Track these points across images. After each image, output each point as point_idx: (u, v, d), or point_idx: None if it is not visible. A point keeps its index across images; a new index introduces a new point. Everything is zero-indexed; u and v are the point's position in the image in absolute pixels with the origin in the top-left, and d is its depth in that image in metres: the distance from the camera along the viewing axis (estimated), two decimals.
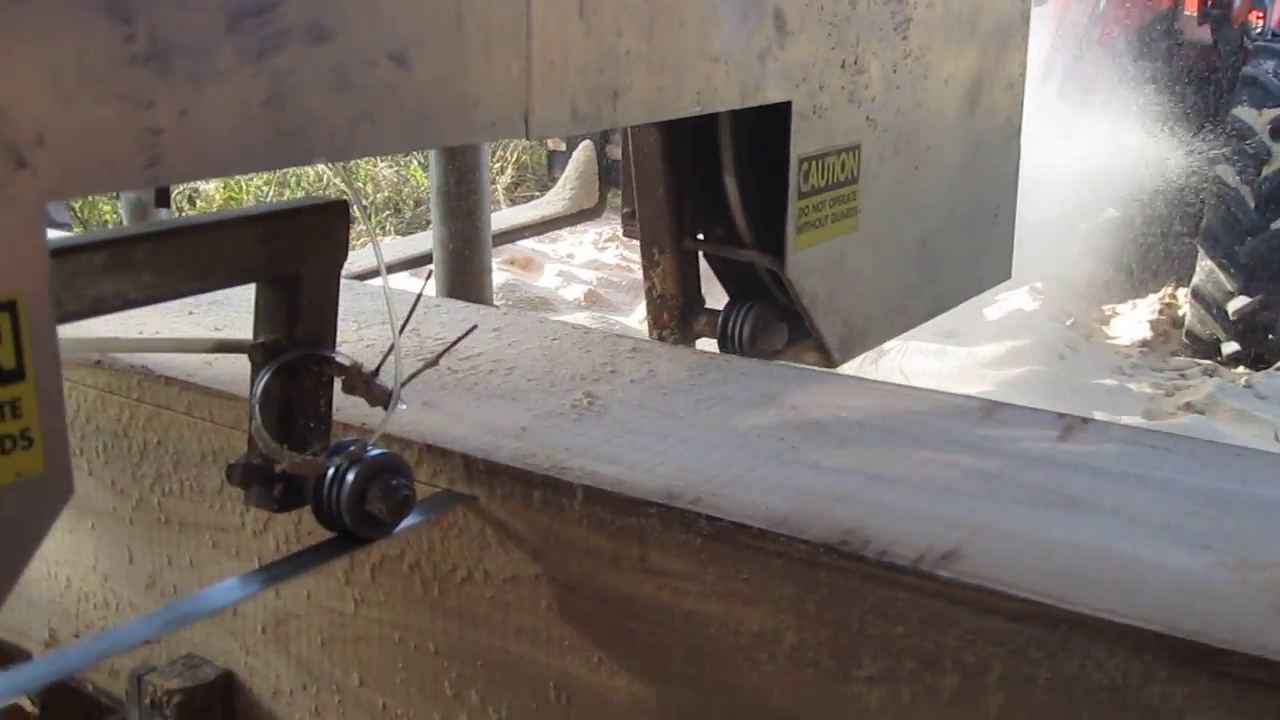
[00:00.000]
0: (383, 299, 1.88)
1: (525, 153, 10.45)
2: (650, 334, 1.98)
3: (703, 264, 1.96)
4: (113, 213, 8.52)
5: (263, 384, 1.18)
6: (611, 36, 1.32)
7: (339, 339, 1.25)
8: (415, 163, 10.30)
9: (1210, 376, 6.59)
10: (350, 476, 1.20)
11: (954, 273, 2.21)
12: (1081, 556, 1.08)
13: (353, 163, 9.71)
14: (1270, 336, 6.84)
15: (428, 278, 1.51)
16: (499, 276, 5.33)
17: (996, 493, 1.21)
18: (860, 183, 1.84)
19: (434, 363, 1.30)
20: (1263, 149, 6.85)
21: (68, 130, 0.85)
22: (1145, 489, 1.22)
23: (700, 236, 1.90)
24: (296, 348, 1.19)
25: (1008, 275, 2.43)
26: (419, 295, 1.38)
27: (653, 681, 1.21)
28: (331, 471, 1.21)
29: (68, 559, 1.72)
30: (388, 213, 9.75)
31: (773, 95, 1.61)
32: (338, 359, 1.21)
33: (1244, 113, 7.04)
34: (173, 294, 1.10)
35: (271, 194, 9.53)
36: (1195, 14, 8.01)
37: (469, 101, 1.16)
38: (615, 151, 6.26)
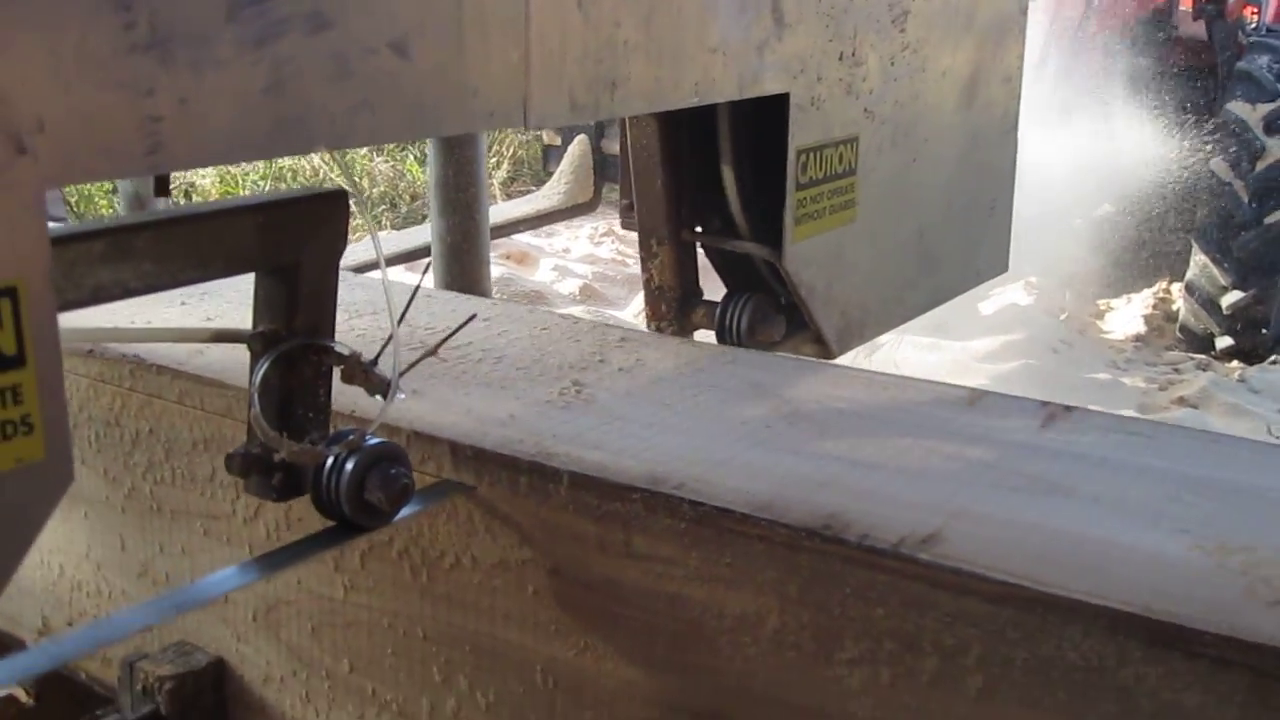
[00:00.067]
0: (374, 289, 1.89)
1: (521, 148, 10.46)
2: (648, 325, 1.99)
3: (701, 257, 1.97)
4: (109, 208, 8.52)
5: (262, 373, 1.19)
6: (610, 26, 1.33)
7: None
8: (411, 157, 10.31)
9: (1204, 371, 6.60)
10: (349, 465, 1.20)
11: (951, 265, 2.22)
12: (1059, 540, 1.09)
13: (349, 157, 9.72)
14: (1264, 331, 6.85)
15: (425, 270, 1.52)
16: (494, 271, 5.34)
17: (977, 478, 1.22)
18: (858, 175, 1.85)
19: (433, 352, 1.30)
20: (1257, 144, 6.86)
21: (68, 117, 0.86)
22: (1124, 475, 1.24)
23: (698, 228, 1.91)
24: (295, 337, 1.19)
25: (1005, 268, 2.44)
26: (416, 287, 1.39)
27: (638, 665, 1.22)
28: (330, 460, 1.21)
29: (60, 547, 1.73)
30: (383, 207, 9.75)
31: (771, 87, 1.62)
32: (337, 348, 1.22)
33: (1238, 107, 7.05)
34: (172, 283, 1.11)
35: (268, 189, 9.53)
36: (1190, 9, 8.02)
37: (468, 91, 1.17)
38: (611, 146, 6.26)
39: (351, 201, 1.24)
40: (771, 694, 1.15)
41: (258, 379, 1.19)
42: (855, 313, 1.94)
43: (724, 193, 1.81)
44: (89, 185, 8.45)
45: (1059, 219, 7.31)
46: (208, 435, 1.51)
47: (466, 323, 1.39)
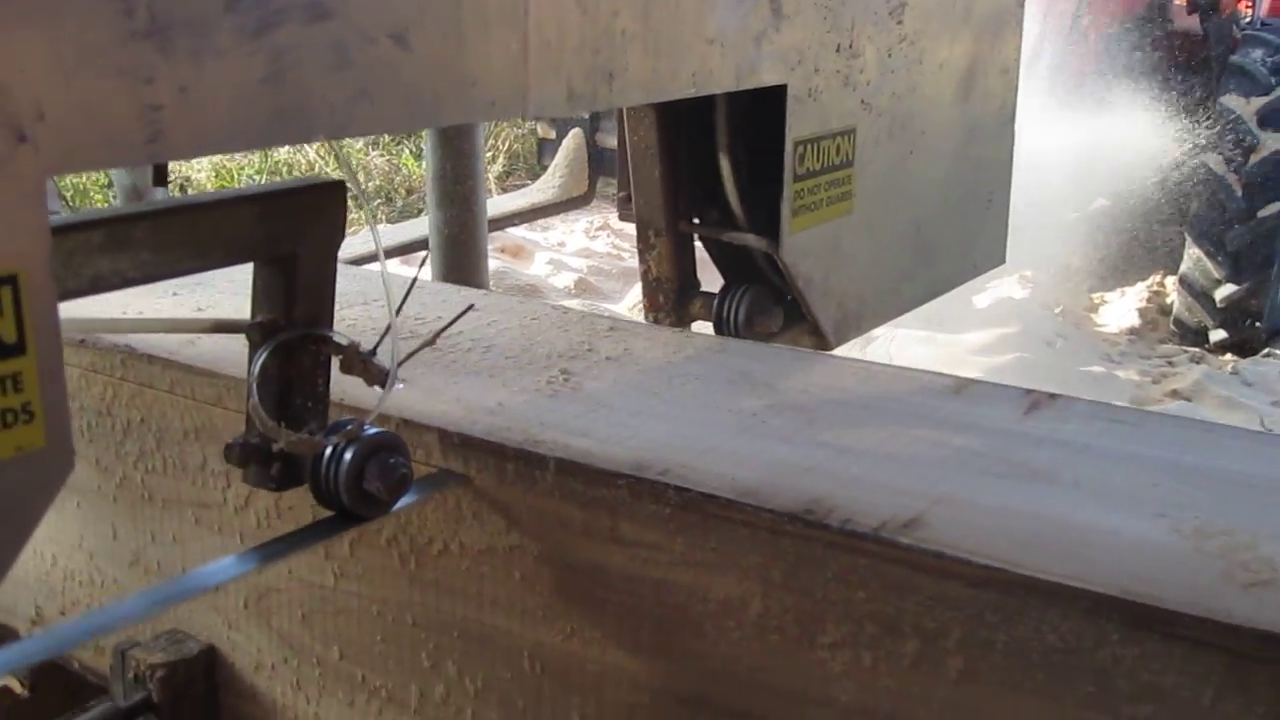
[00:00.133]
0: (365, 280, 1.90)
1: (516, 142, 10.46)
2: (645, 317, 1.99)
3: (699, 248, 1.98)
4: (104, 202, 8.52)
5: (260, 363, 1.19)
6: (607, 17, 1.34)
7: None
8: (407, 151, 10.31)
9: (1197, 364, 6.62)
10: (348, 455, 1.21)
11: (948, 257, 2.23)
12: (1040, 524, 1.10)
13: (344, 151, 9.71)
14: (1257, 324, 6.87)
15: (423, 261, 1.53)
16: (489, 264, 5.35)
17: (961, 465, 1.23)
18: (855, 166, 1.86)
19: (430, 342, 1.30)
20: (1250, 137, 6.87)
21: (69, 106, 0.86)
22: (1107, 461, 1.25)
23: (696, 220, 1.91)
24: (294, 327, 1.20)
25: (1002, 260, 2.45)
26: (414, 279, 1.40)
27: (624, 650, 1.23)
28: (329, 450, 1.21)
29: (53, 537, 1.74)
30: (379, 201, 9.75)
31: (768, 78, 1.62)
32: (335, 338, 1.22)
33: (1232, 101, 7.06)
34: (170, 273, 1.11)
35: (263, 183, 9.51)
36: (1184, 3, 8.03)
37: (467, 81, 1.17)
38: (605, 139, 6.27)
39: (349, 194, 1.24)
40: (755, 678, 1.16)
41: (256, 369, 1.19)
42: (852, 304, 1.94)
43: (721, 184, 1.81)
44: (84, 179, 8.46)
45: (1054, 213, 7.32)
46: (199, 424, 1.52)
47: (464, 313, 1.39)
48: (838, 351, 1.87)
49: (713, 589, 1.17)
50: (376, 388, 1.24)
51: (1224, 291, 6.84)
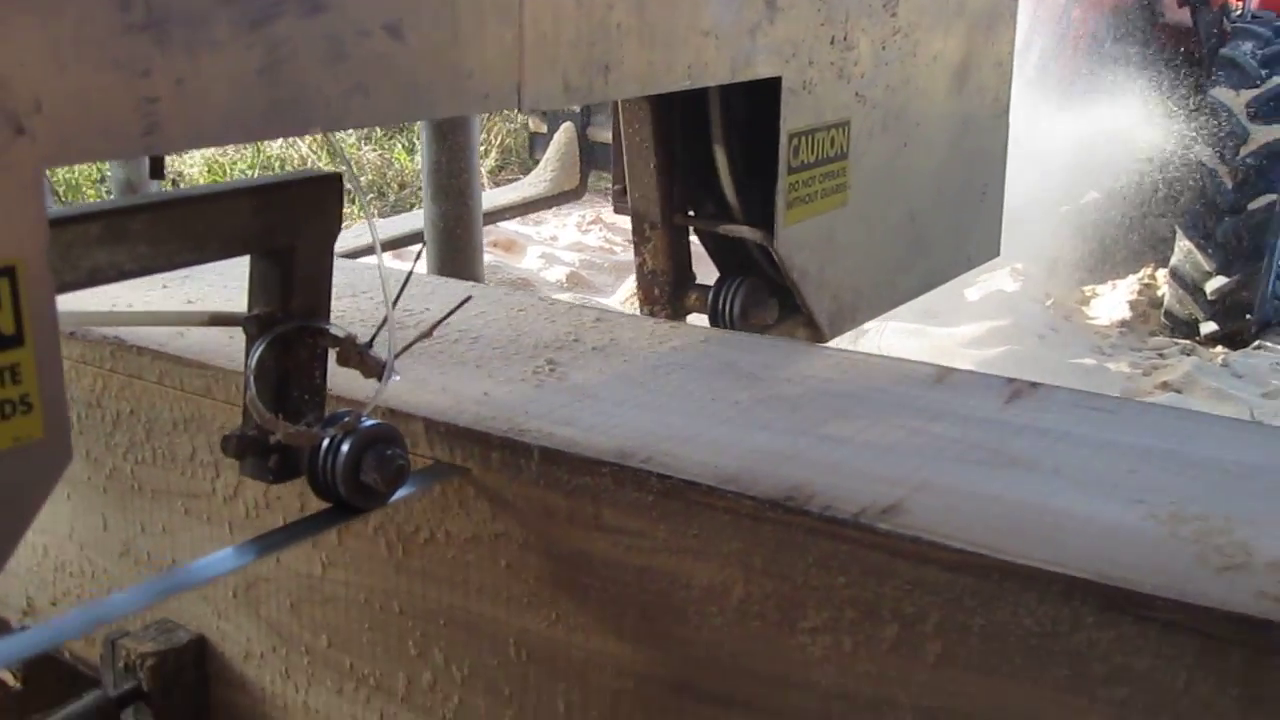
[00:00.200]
0: (353, 273, 1.91)
1: (509, 136, 10.46)
2: (641, 310, 2.00)
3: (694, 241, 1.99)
4: (96, 197, 8.51)
5: (257, 356, 1.19)
6: (603, 9, 1.34)
7: None
8: (399, 145, 10.31)
9: (1188, 356, 6.63)
10: (345, 447, 1.21)
11: (943, 249, 2.24)
12: (1018, 510, 1.11)
13: (330, 146, 9.71)
14: (1247, 316, 6.88)
15: (419, 255, 1.53)
16: None
17: (941, 452, 1.24)
18: (849, 159, 1.87)
19: (428, 334, 1.31)
20: (1240, 129, 6.88)
21: (66, 98, 0.87)
22: (1086, 448, 1.26)
23: (691, 212, 1.92)
24: (291, 319, 1.20)
25: (996, 253, 2.46)
26: (409, 272, 1.40)
27: (608, 637, 1.25)
28: (326, 442, 1.22)
29: (44, 528, 1.75)
30: (372, 195, 9.75)
31: (763, 70, 1.63)
32: (332, 331, 1.22)
33: (1222, 94, 7.07)
34: (168, 265, 1.12)
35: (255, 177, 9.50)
36: None
37: (462, 73, 1.18)
38: (597, 133, 6.28)
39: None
40: (737, 663, 1.18)
41: (253, 361, 1.19)
42: (847, 296, 1.95)
43: (716, 177, 1.83)
44: (76, 174, 8.45)
45: (1045, 206, 7.33)
46: (187, 415, 1.53)
47: (461, 305, 1.40)
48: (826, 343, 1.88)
49: (695, 575, 1.18)
50: (373, 379, 1.24)
51: (1214, 284, 6.85)
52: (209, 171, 9.55)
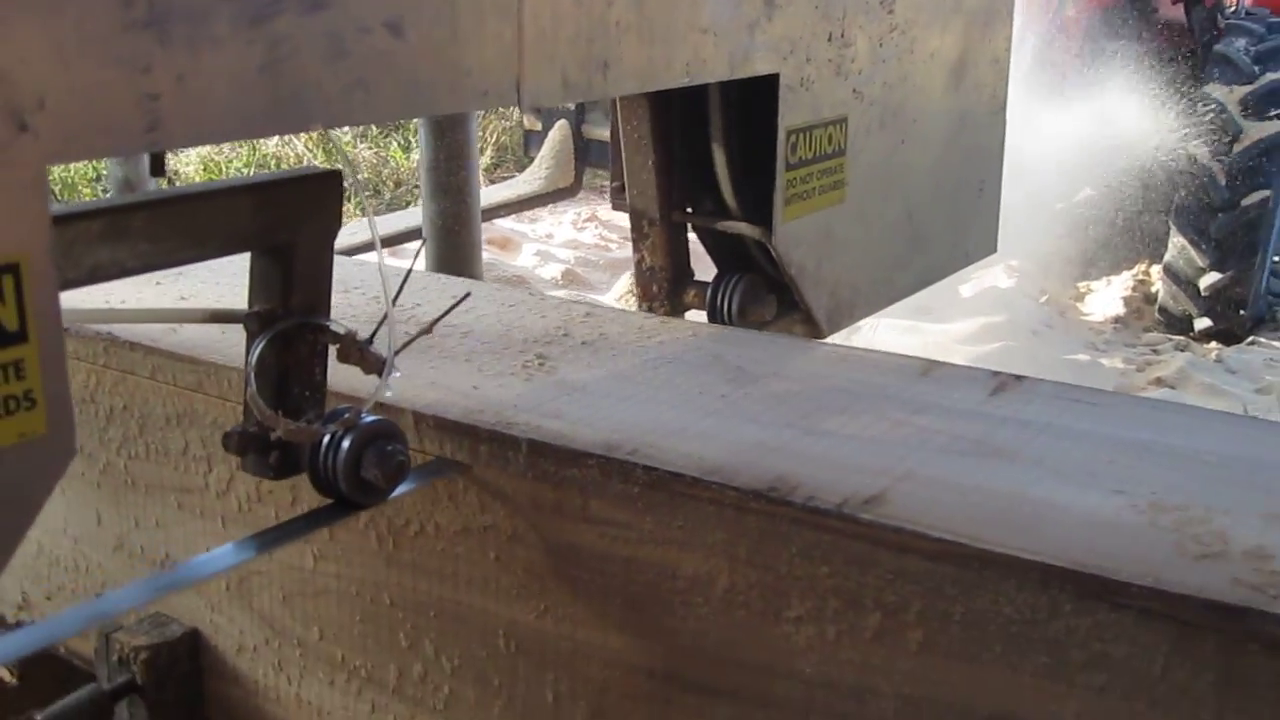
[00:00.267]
0: (344, 269, 1.92)
1: (505, 134, 10.46)
2: (639, 306, 2.01)
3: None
4: (92, 196, 8.51)
5: (258, 352, 1.20)
6: (601, 6, 1.35)
7: None
8: (395, 143, 10.31)
9: (1182, 351, 6.65)
10: (346, 443, 1.22)
11: (940, 246, 2.25)
12: (999, 500, 1.13)
13: (332, 143, 9.71)
14: (1241, 312, 6.89)
15: (419, 251, 1.54)
16: None
17: (924, 444, 1.26)
18: (847, 155, 1.88)
19: (428, 330, 1.31)
20: (1234, 126, 6.90)
21: (68, 94, 0.88)
22: (1067, 439, 1.28)
23: (689, 209, 1.93)
24: (291, 316, 1.21)
25: (993, 249, 2.47)
26: (409, 269, 1.41)
27: (595, 627, 1.26)
28: (327, 438, 1.22)
29: (38, 523, 1.72)
30: (368, 193, 9.76)
31: (761, 67, 1.64)
32: (333, 327, 1.23)
33: (1215, 90, 7.09)
34: (169, 262, 1.12)
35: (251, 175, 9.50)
36: None
37: (462, 70, 1.18)
38: (591, 131, 6.28)
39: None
40: (723, 652, 1.19)
41: (254, 358, 1.20)
42: (845, 293, 1.96)
43: (715, 174, 1.83)
44: (72, 173, 8.46)
45: (1040, 202, 7.35)
46: (180, 410, 1.54)
47: (461, 301, 1.41)
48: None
49: (681, 566, 1.19)
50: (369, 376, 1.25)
51: (1208, 280, 6.86)
52: (205, 170, 9.56)
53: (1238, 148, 6.86)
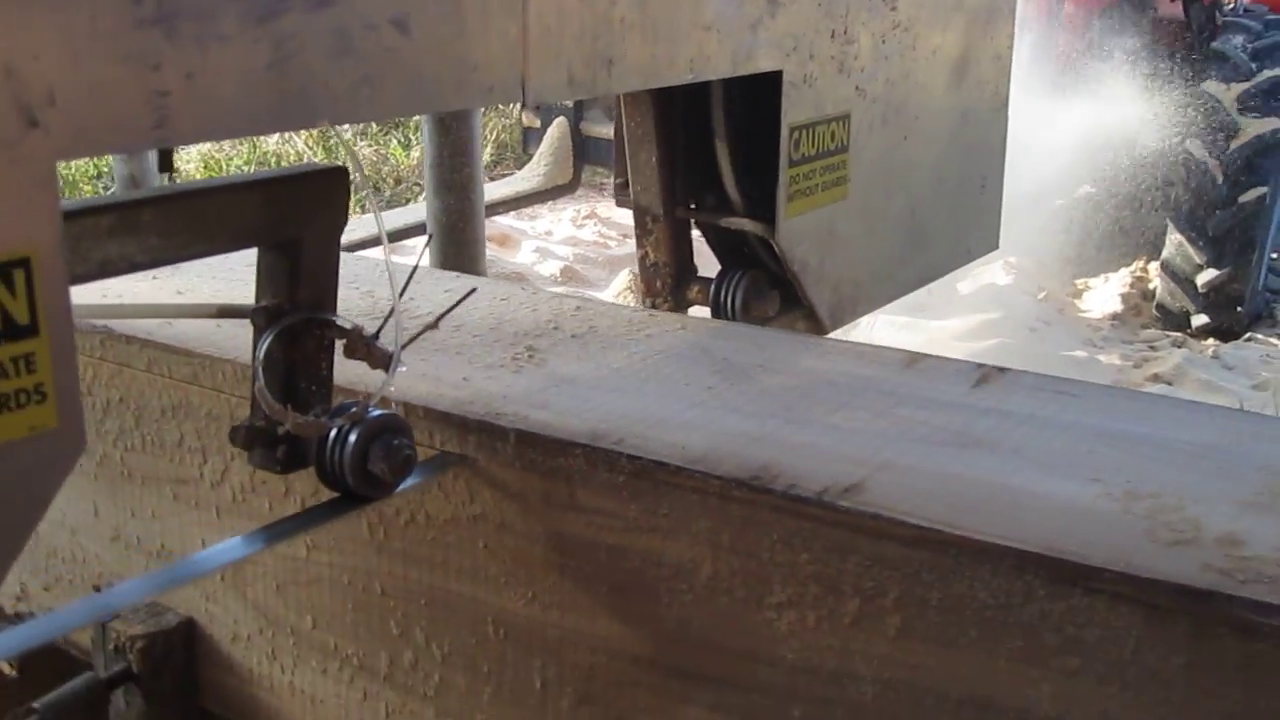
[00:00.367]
0: (342, 265, 1.94)
1: (504, 131, 10.48)
2: (642, 302, 2.03)
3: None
4: (93, 193, 8.53)
5: (265, 347, 1.21)
6: (606, 4, 1.37)
7: None
8: (395, 141, 10.33)
9: (1179, 348, 6.67)
10: (353, 437, 1.23)
11: (942, 242, 2.27)
12: (978, 489, 1.15)
13: (332, 141, 9.73)
14: (1239, 309, 6.92)
15: (425, 246, 1.56)
16: None
17: (905, 434, 1.28)
18: (850, 152, 1.89)
19: (434, 325, 1.32)
20: (1231, 123, 6.92)
21: (78, 91, 0.89)
22: (1048, 430, 1.29)
23: (693, 205, 1.95)
24: (298, 311, 1.22)
25: (995, 246, 2.48)
26: (415, 266, 1.42)
27: (582, 615, 1.28)
28: (334, 432, 1.23)
29: None
30: (366, 191, 9.77)
31: (764, 64, 1.66)
32: (339, 322, 1.24)
33: (1212, 87, 7.11)
34: (177, 257, 1.14)
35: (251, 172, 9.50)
36: None
37: (467, 66, 1.20)
38: (590, 128, 6.31)
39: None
40: (706, 638, 1.21)
41: (261, 353, 1.21)
42: (847, 289, 1.98)
43: (718, 170, 1.85)
44: (72, 170, 8.47)
45: (1039, 199, 7.36)
46: (175, 402, 1.56)
47: (466, 296, 1.42)
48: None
49: (665, 553, 1.21)
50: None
51: (1206, 277, 6.88)
52: (205, 167, 9.58)
53: (1235, 144, 6.88)
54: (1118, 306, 7.40)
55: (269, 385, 1.21)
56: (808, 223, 1.84)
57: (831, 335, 1.99)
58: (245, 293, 1.75)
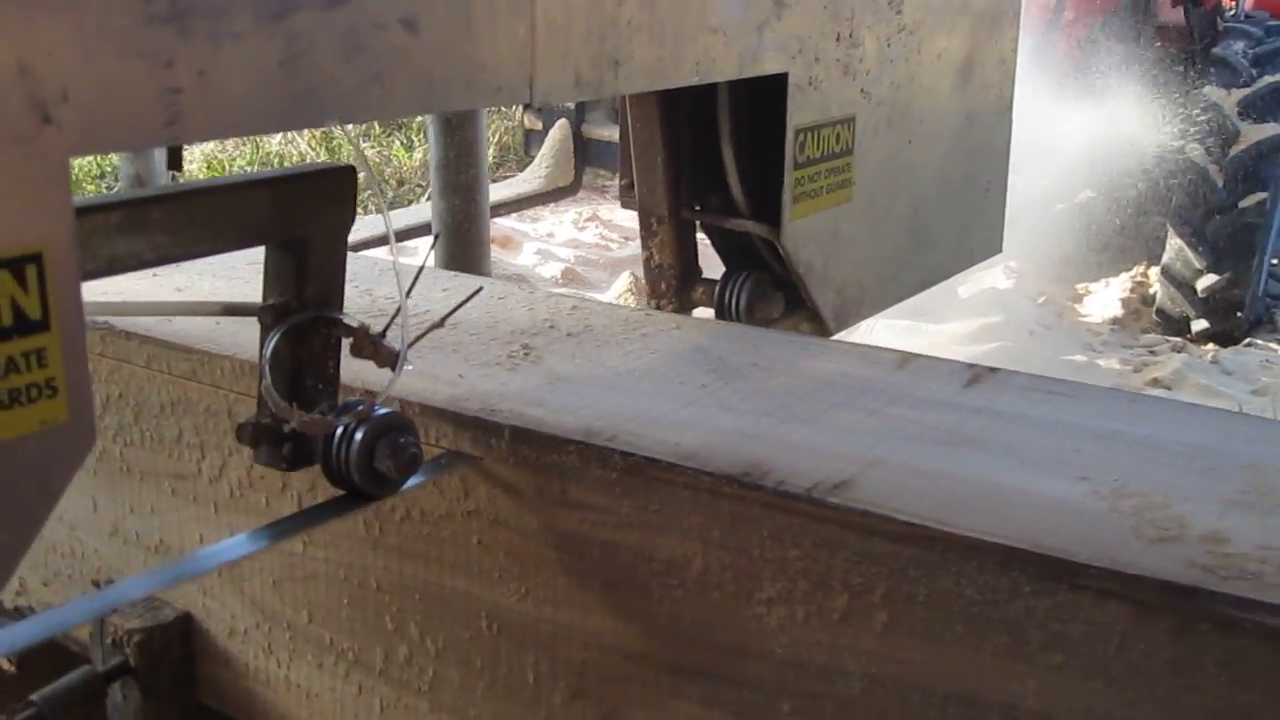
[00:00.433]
0: None
1: (506, 133, 10.50)
2: (648, 303, 2.04)
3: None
4: (96, 193, 8.55)
5: (272, 345, 1.22)
6: (613, 5, 1.38)
7: None
8: (397, 143, 10.35)
9: (1178, 353, 6.68)
10: (359, 435, 1.23)
11: (946, 245, 2.28)
12: (965, 486, 1.16)
13: (335, 142, 9.76)
14: (1238, 314, 6.92)
15: (433, 245, 1.56)
16: None
17: (896, 432, 1.29)
18: (855, 154, 1.90)
19: (440, 324, 1.33)
20: (1231, 128, 6.93)
21: (91, 88, 0.90)
22: (1038, 429, 1.31)
23: (697, 207, 1.96)
24: (305, 309, 1.23)
25: (999, 249, 2.48)
26: (421, 266, 1.43)
27: (575, 610, 1.29)
28: (340, 430, 1.24)
29: None
30: (370, 192, 9.79)
31: (770, 66, 1.67)
32: (346, 321, 1.25)
33: (1213, 92, 7.12)
34: (185, 255, 1.14)
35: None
36: None
37: (476, 66, 1.21)
38: (591, 130, 6.33)
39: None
40: (697, 634, 1.22)
41: (268, 351, 1.22)
42: (852, 291, 1.99)
43: (723, 171, 1.85)
44: (76, 170, 8.49)
45: (1040, 204, 7.37)
46: (174, 398, 1.57)
47: (473, 295, 1.43)
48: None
49: (657, 549, 1.22)
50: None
51: (1205, 282, 6.89)
52: (208, 167, 9.60)
53: (1235, 150, 6.88)
54: (1118, 311, 7.41)
55: (276, 383, 1.22)
56: (812, 225, 1.85)
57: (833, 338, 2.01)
58: (244, 290, 1.78)
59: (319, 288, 1.23)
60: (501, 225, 7.82)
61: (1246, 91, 7.02)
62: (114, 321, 1.61)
